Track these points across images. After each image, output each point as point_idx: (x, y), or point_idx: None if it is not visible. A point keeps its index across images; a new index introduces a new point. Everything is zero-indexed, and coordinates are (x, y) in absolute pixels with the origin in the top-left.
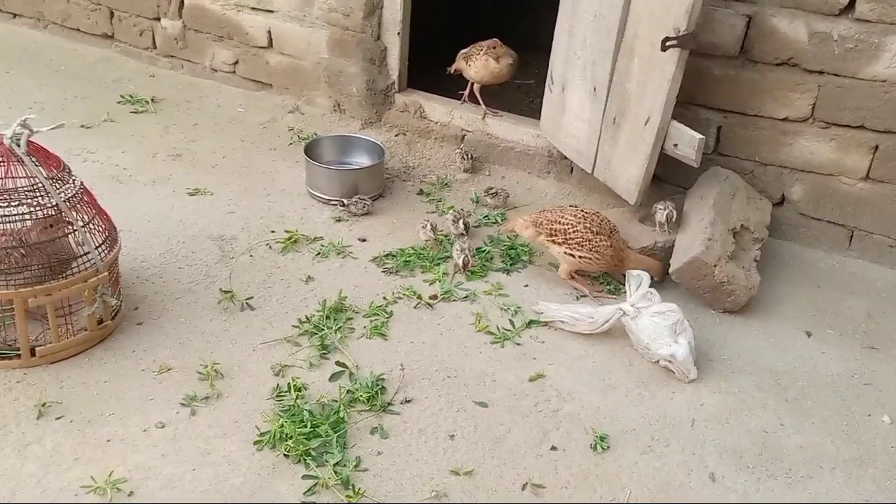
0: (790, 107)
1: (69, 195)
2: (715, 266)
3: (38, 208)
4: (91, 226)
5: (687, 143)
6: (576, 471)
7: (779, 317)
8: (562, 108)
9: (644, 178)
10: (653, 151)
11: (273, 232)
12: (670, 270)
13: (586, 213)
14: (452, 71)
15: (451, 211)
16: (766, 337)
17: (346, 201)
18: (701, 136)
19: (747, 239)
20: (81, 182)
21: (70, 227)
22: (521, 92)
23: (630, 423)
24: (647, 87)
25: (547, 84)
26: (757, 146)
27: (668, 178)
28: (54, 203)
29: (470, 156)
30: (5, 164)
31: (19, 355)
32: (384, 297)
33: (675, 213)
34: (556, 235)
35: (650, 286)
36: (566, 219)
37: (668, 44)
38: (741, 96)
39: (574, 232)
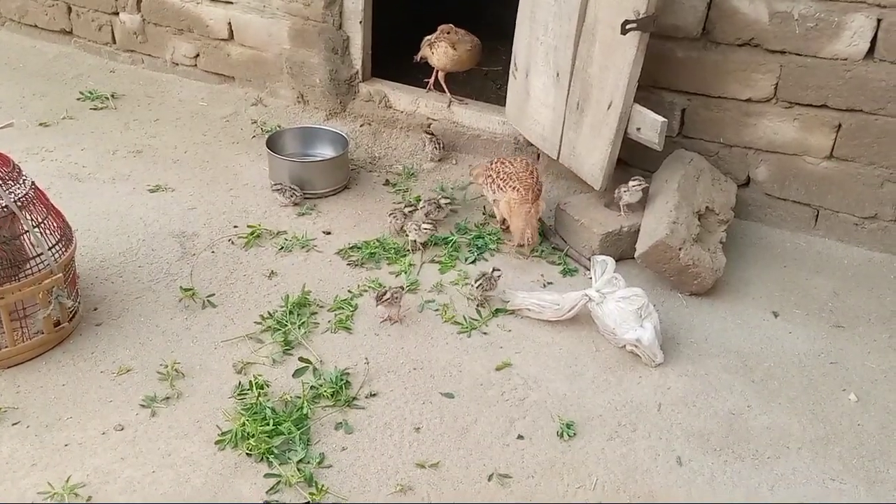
0: (753, 87)
1: (20, 195)
2: (680, 249)
3: None
4: (43, 226)
5: (650, 126)
6: (542, 459)
7: (745, 298)
8: (526, 95)
9: (608, 163)
10: (616, 136)
11: (235, 227)
12: (636, 254)
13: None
14: (419, 59)
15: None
16: (732, 318)
17: (278, 186)
18: (663, 119)
19: (713, 221)
20: (33, 182)
21: (21, 227)
22: (488, 79)
23: (597, 410)
24: (609, 71)
25: (511, 70)
26: (721, 128)
27: (633, 161)
28: (3, 204)
29: (441, 144)
30: None
31: None
32: (349, 291)
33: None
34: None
35: (613, 271)
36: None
37: (627, 27)
38: (704, 78)
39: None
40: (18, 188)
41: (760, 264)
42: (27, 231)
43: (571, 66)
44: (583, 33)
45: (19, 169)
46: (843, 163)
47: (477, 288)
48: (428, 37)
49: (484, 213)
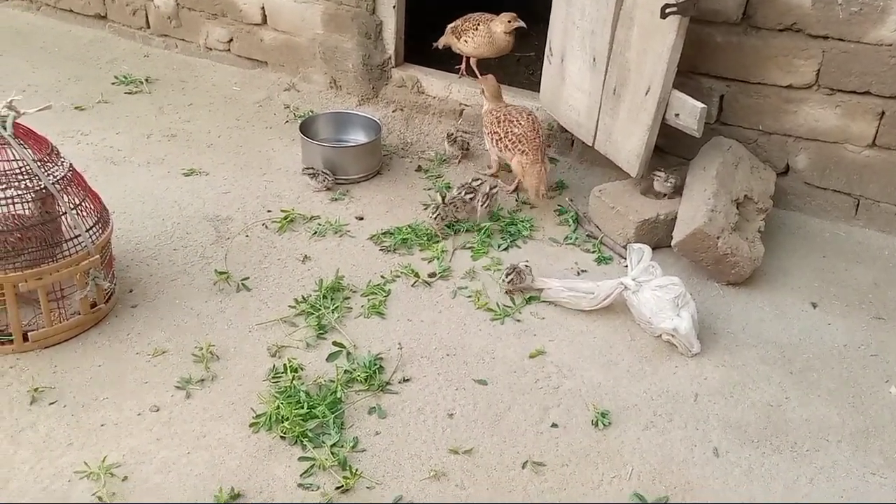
0: (794, 73)
1: (58, 177)
2: (718, 238)
3: (26, 191)
4: (81, 208)
5: (689, 112)
6: (577, 448)
7: (784, 288)
8: (561, 80)
9: (645, 150)
10: (654, 122)
11: (269, 211)
12: (672, 243)
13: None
14: (441, 46)
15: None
16: (770, 309)
17: (311, 170)
18: (703, 105)
19: (751, 209)
20: (71, 164)
21: (59, 209)
22: (520, 64)
23: (632, 399)
24: (648, 56)
25: (546, 55)
26: (760, 115)
27: (669, 148)
28: (42, 186)
29: (465, 144)
30: None
31: (12, 340)
32: (382, 276)
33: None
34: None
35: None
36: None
37: (667, 11)
38: (744, 64)
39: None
40: (57, 170)
41: (799, 254)
42: (65, 213)
43: (608, 50)
44: (620, 17)
45: (57, 151)
46: (885, 151)
47: (508, 282)
48: (451, 24)
49: (517, 200)
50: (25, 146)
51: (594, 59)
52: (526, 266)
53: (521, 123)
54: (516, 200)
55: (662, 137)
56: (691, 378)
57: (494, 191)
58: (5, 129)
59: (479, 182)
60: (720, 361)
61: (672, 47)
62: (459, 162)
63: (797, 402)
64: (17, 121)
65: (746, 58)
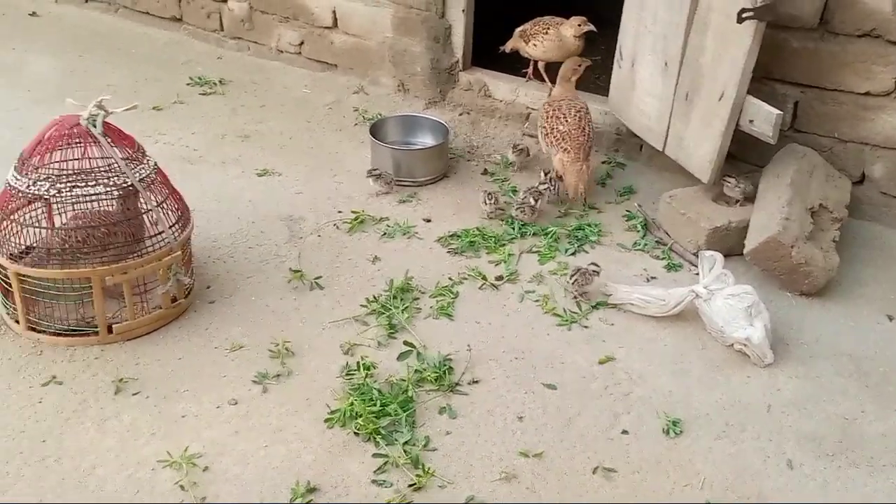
0: (872, 80)
1: (143, 175)
2: (792, 247)
3: (113, 188)
4: (165, 205)
5: (764, 119)
6: (648, 455)
7: (859, 300)
8: (631, 85)
9: (718, 156)
10: (727, 128)
11: (340, 212)
12: (745, 251)
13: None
14: (508, 50)
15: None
16: (845, 320)
17: (376, 172)
18: (779, 111)
19: (826, 219)
20: (155, 162)
21: (145, 206)
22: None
23: (703, 408)
24: (722, 61)
25: (616, 59)
26: (836, 122)
27: (741, 154)
28: (129, 183)
29: (526, 152)
30: (82, 144)
31: (97, 332)
32: (450, 278)
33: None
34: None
35: (722, 266)
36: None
37: (744, 15)
38: (820, 70)
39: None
40: (143, 168)
41: (874, 265)
42: (149, 210)
43: (681, 55)
44: (694, 22)
45: (143, 150)
46: None
47: (572, 283)
48: (520, 28)
49: (584, 204)
50: (114, 144)
51: (666, 64)
52: (593, 269)
53: (567, 121)
54: (584, 204)
55: (734, 143)
56: (764, 389)
57: (544, 187)
58: (95, 126)
59: (546, 186)
60: (794, 373)
61: (748, 52)
62: (520, 170)
63: (874, 415)
64: (107, 120)
65: (823, 64)
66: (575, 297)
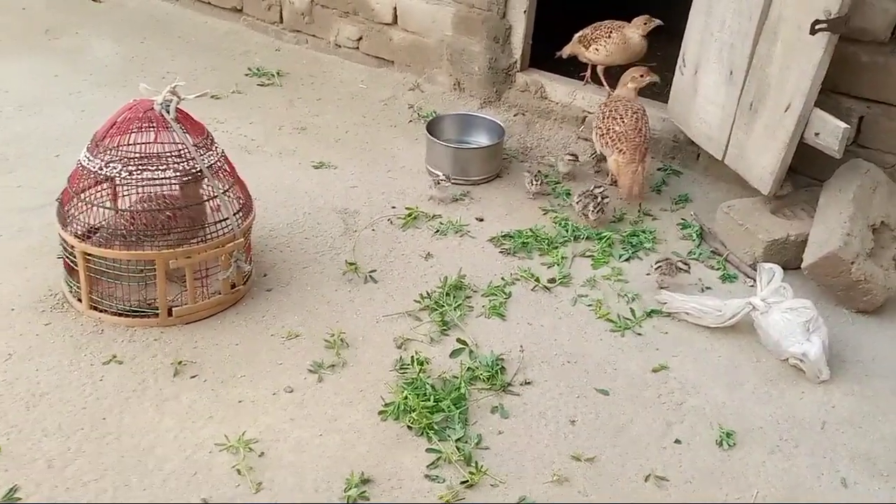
0: None
1: (212, 162)
2: (852, 263)
3: (183, 174)
4: (229, 193)
5: (830, 132)
6: (700, 466)
7: None
8: (693, 92)
9: (780, 168)
10: (792, 140)
11: (394, 208)
12: (803, 265)
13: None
14: (565, 55)
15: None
16: None
17: (443, 177)
18: (846, 125)
19: (887, 237)
20: (223, 150)
21: (209, 193)
22: None
23: (757, 422)
24: (790, 72)
25: (678, 66)
26: None
27: (801, 168)
28: (198, 169)
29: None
30: (155, 129)
31: (157, 314)
32: (502, 278)
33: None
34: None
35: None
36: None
37: (817, 27)
38: (888, 85)
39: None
40: (211, 155)
41: None
42: (215, 196)
43: (748, 64)
44: (763, 31)
45: (212, 138)
46: None
47: (656, 270)
48: (579, 33)
49: (639, 210)
50: (185, 131)
51: (731, 73)
52: (681, 264)
53: (623, 122)
54: (638, 211)
55: (795, 156)
56: (819, 405)
57: (606, 200)
58: (168, 112)
59: (601, 188)
60: (849, 390)
61: (818, 64)
62: (571, 179)
63: None
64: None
65: (892, 79)
66: (658, 286)
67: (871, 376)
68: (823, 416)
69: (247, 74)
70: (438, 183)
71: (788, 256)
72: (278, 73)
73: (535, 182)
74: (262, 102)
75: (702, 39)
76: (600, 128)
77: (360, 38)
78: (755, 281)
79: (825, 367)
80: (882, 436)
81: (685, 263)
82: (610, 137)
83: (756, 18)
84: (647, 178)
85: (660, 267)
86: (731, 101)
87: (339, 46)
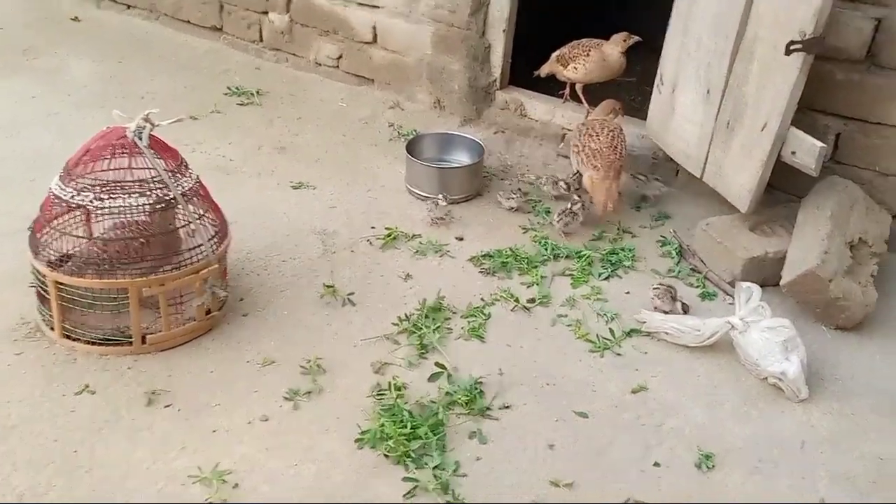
0: None
1: (186, 188)
2: (830, 281)
3: (156, 201)
4: (204, 218)
5: (807, 151)
6: (680, 489)
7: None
8: (671, 110)
9: (758, 186)
10: (769, 158)
11: (373, 228)
12: (781, 283)
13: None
14: (543, 74)
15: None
16: (882, 357)
17: (439, 201)
18: (823, 145)
19: (864, 253)
20: (198, 176)
21: (183, 219)
22: (621, 90)
23: (737, 442)
24: (766, 91)
25: (656, 84)
26: (878, 155)
27: (779, 185)
28: (172, 196)
29: (568, 185)
30: (127, 156)
31: (131, 342)
32: (482, 299)
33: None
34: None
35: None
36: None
37: (792, 48)
38: (864, 103)
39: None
40: (185, 181)
41: None
42: (190, 223)
43: (724, 83)
44: (740, 51)
45: (186, 163)
46: None
47: (558, 221)
48: (557, 51)
49: (618, 228)
50: (158, 157)
51: (708, 92)
52: (682, 304)
53: (599, 139)
54: (618, 229)
55: (773, 173)
56: (798, 424)
57: (577, 207)
58: (141, 139)
59: (578, 204)
60: (828, 409)
61: (794, 84)
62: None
63: None
64: (152, 133)
65: (867, 97)
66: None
67: (850, 394)
68: (803, 435)
69: (226, 93)
70: (437, 204)
71: (767, 273)
72: (258, 92)
73: (511, 197)
74: (242, 122)
75: (679, 58)
76: (576, 145)
77: (340, 57)
78: (734, 299)
79: (804, 385)
80: (861, 455)
81: (686, 306)
82: (585, 154)
83: (732, 38)
84: (624, 194)
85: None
86: (709, 120)
87: (319, 65)
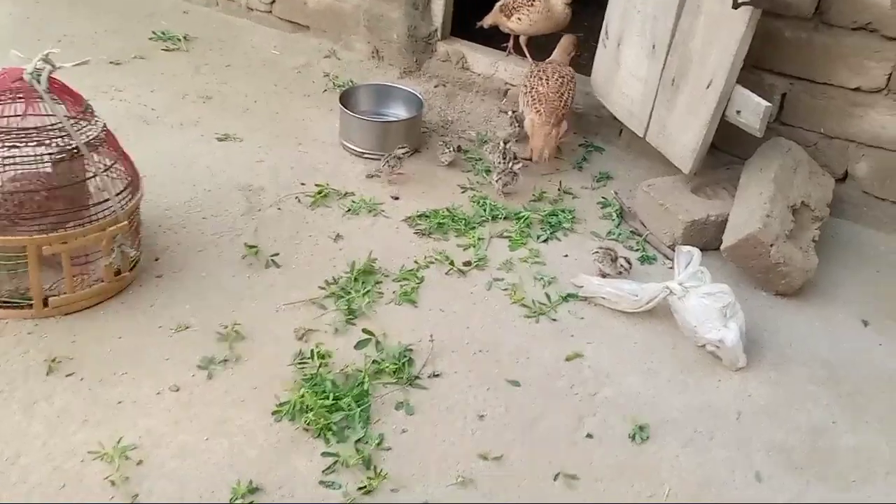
0: (864, 76)
1: (91, 137)
2: (772, 245)
3: (57, 150)
4: (112, 171)
5: (752, 110)
6: (612, 462)
7: (834, 302)
8: (616, 66)
9: (702, 146)
10: (713, 117)
11: (303, 184)
12: (722, 247)
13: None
14: (486, 25)
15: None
16: (820, 324)
17: (387, 156)
18: (768, 104)
19: (807, 217)
20: (104, 124)
21: (90, 170)
22: None
23: (672, 412)
24: (713, 47)
25: (601, 38)
26: (823, 117)
27: (723, 145)
28: (74, 145)
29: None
30: (24, 101)
31: (31, 305)
32: (415, 261)
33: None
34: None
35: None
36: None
37: (740, 1)
38: (811, 62)
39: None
40: (90, 129)
41: (852, 267)
42: (95, 175)
43: (670, 38)
44: (686, 4)
45: (92, 109)
46: None
47: (498, 181)
48: (502, 1)
49: (559, 189)
50: (59, 102)
51: (654, 47)
52: (626, 262)
53: (547, 84)
54: (559, 189)
55: (716, 133)
56: (735, 394)
57: (517, 167)
58: (39, 83)
59: (520, 165)
60: (766, 378)
61: (741, 39)
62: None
63: (845, 427)
64: (53, 75)
65: (814, 56)
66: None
67: (788, 362)
68: (739, 405)
69: (151, 38)
70: (400, 158)
71: (708, 237)
72: (185, 38)
73: (447, 150)
74: (166, 69)
75: (625, 11)
76: (525, 86)
77: (273, 1)
78: (674, 263)
79: (742, 354)
80: (797, 426)
81: (628, 262)
82: (531, 97)
83: None
84: (559, 140)
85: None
86: (654, 77)
87: (252, 10)
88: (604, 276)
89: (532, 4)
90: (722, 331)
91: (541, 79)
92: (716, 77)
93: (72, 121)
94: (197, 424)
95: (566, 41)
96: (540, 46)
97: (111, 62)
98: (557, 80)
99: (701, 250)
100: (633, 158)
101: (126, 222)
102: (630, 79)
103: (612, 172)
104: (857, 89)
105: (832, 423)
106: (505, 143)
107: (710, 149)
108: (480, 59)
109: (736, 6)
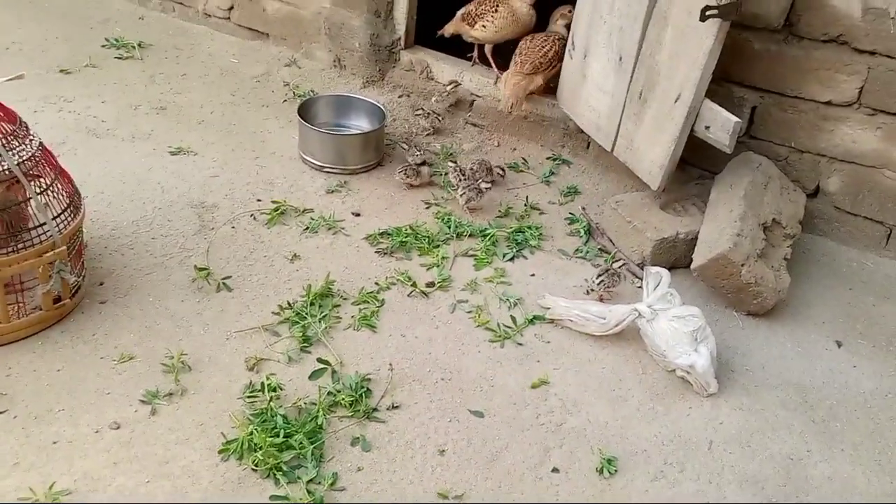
0: (835, 89)
1: (24, 157)
2: (743, 265)
3: None
4: (50, 191)
5: (721, 126)
6: (579, 498)
7: (807, 322)
8: (582, 78)
9: (670, 162)
10: (681, 133)
11: (259, 201)
12: (692, 266)
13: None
14: (447, 34)
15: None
16: (792, 345)
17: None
18: (737, 119)
19: (778, 235)
20: (41, 142)
21: (24, 192)
22: None
23: (641, 443)
24: (680, 60)
25: (567, 49)
26: (794, 131)
27: (693, 160)
28: (6, 167)
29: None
30: None
31: None
32: (376, 283)
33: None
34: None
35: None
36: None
37: (707, 13)
38: (781, 75)
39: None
40: (24, 149)
41: (824, 285)
42: (30, 197)
43: (637, 50)
44: (653, 15)
45: (27, 126)
46: None
47: (599, 284)
48: (463, 9)
49: (526, 204)
50: None
51: (620, 59)
52: (621, 269)
53: (533, 41)
54: (525, 205)
55: (686, 148)
56: (706, 422)
57: (483, 185)
58: None
59: (488, 185)
60: (738, 404)
61: (709, 53)
62: (431, 134)
63: (819, 455)
64: None
65: (785, 68)
66: (601, 298)
67: (760, 387)
68: (711, 434)
69: (104, 45)
70: (420, 169)
71: (678, 255)
72: (139, 45)
73: (408, 174)
74: (119, 78)
75: (591, 22)
76: (520, 45)
77: (232, 8)
78: (643, 283)
79: (713, 379)
80: (770, 455)
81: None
82: (517, 52)
83: (646, 1)
84: (527, 91)
85: (602, 281)
86: (621, 90)
87: (209, 16)
88: (606, 297)
89: (496, 10)
90: (692, 356)
91: (531, 39)
92: (684, 91)
93: (3, 139)
94: (137, 465)
95: (556, 13)
96: (504, 54)
97: (61, 70)
98: (545, 38)
99: (670, 268)
100: (602, 172)
101: (65, 247)
102: (597, 92)
103: (579, 186)
104: (828, 103)
105: (806, 451)
106: (455, 163)
107: (680, 162)
108: (445, 69)
109: (703, 18)
